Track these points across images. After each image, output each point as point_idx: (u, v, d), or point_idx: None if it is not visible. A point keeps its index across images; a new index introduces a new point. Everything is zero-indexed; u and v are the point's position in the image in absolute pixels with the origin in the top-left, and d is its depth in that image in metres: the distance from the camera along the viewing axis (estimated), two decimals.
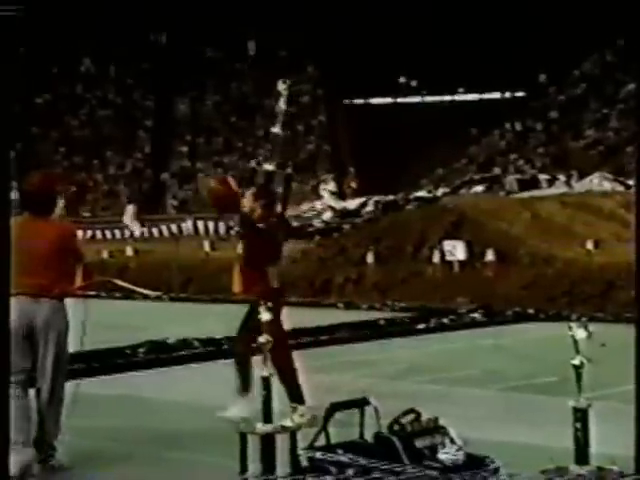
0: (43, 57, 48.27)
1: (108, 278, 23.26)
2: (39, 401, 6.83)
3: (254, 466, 6.17)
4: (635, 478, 5.33)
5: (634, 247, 5.52)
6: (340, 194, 37.68)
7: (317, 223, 30.86)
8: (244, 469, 6.17)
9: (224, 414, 8.08)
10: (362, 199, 33.31)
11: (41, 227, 6.95)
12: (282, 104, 8.60)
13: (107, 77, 52.09)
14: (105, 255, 24.19)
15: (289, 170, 8.78)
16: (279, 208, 8.46)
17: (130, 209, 38.04)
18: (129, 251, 24.26)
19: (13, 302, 6.76)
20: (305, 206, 33.98)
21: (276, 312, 8.17)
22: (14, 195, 7.21)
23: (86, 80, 51.90)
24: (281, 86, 8.68)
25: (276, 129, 8.60)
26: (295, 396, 8.11)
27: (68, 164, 47.90)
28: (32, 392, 6.95)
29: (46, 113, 49.41)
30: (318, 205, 34.07)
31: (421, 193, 34.03)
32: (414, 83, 51.23)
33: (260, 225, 8.27)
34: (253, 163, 9.17)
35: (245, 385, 8.22)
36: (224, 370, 8.80)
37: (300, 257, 20.66)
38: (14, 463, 6.42)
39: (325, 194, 36.11)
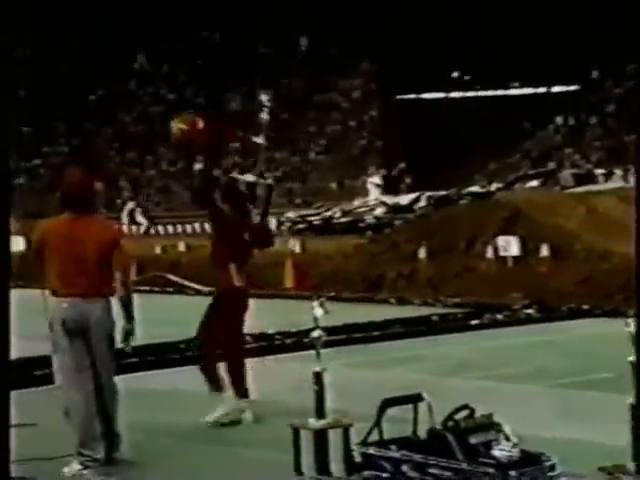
0: (97, 54, 48.67)
1: (161, 273, 23.30)
2: (102, 395, 6.83)
3: (306, 462, 6.15)
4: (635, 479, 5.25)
5: (634, 247, 5.44)
6: (392, 189, 37.54)
7: (369, 219, 30.79)
8: (298, 465, 6.14)
9: (209, 419, 8.09)
10: (414, 194, 33.13)
11: (87, 226, 6.90)
12: (265, 115, 8.65)
13: (160, 74, 52.41)
14: (158, 250, 24.30)
15: (269, 180, 8.75)
16: (258, 216, 8.44)
17: (129, 206, 39.19)
18: (181, 246, 24.34)
19: (64, 303, 6.79)
20: (357, 202, 33.90)
21: (235, 311, 8.21)
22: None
23: (139, 77, 52.27)
24: (264, 97, 8.74)
25: (259, 139, 8.63)
26: (240, 392, 8.20)
27: (121, 160, 48.28)
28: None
29: (100, 109, 49.82)
30: (370, 201, 33.96)
31: (474, 188, 33.75)
32: (467, 77, 50.92)
33: (227, 213, 8.29)
34: (234, 173, 9.18)
35: (217, 386, 8.24)
36: (276, 365, 8.80)
37: (352, 252, 20.61)
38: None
39: (371, 187, 36.06)
